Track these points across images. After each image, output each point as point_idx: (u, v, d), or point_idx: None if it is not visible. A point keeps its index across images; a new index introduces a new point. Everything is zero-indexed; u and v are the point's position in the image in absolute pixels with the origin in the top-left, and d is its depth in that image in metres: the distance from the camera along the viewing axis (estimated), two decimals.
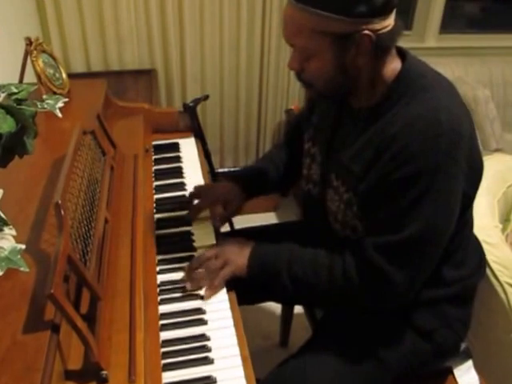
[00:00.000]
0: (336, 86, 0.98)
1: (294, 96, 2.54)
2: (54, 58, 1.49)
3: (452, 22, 2.81)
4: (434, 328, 1.08)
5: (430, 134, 0.89)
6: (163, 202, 1.30)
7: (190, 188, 1.36)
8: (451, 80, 1.00)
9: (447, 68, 2.55)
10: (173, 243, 1.16)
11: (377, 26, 0.88)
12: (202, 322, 0.97)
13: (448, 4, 2.66)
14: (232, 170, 2.67)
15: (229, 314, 0.99)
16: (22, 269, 0.80)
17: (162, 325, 0.95)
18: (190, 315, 0.98)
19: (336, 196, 1.06)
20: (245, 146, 2.64)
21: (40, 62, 1.39)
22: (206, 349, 0.92)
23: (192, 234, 1.20)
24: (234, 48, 2.33)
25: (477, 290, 1.15)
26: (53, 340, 0.71)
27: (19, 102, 0.85)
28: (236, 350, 0.92)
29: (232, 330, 0.96)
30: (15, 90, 0.85)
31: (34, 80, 1.39)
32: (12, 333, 0.72)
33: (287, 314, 1.79)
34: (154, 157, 1.48)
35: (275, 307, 1.95)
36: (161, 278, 1.06)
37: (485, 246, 1.20)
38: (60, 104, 1.03)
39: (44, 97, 1.03)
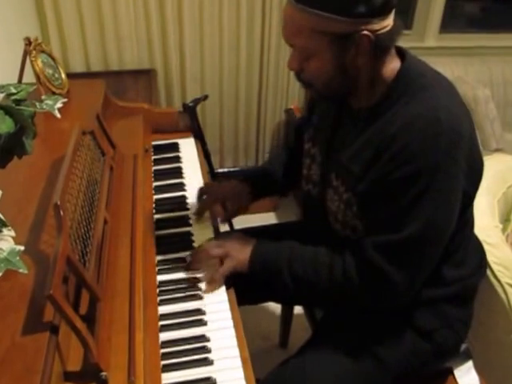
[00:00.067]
0: (335, 86, 0.98)
1: (294, 96, 2.54)
2: (53, 58, 1.48)
3: (452, 21, 2.81)
4: (435, 328, 1.08)
5: (430, 132, 0.89)
6: (163, 202, 1.30)
7: (189, 188, 1.36)
8: (451, 80, 1.00)
9: (447, 67, 2.55)
10: (172, 243, 1.16)
11: (376, 26, 0.89)
12: (202, 323, 0.97)
13: (448, 4, 2.66)
14: (232, 170, 2.67)
15: (228, 314, 0.99)
16: (20, 270, 0.80)
17: (162, 325, 0.95)
18: (190, 316, 0.98)
19: (336, 196, 1.06)
20: (244, 146, 2.64)
21: (39, 62, 1.38)
22: (206, 350, 0.92)
23: (192, 235, 1.20)
24: (233, 48, 2.33)
25: (477, 291, 1.15)
26: (52, 341, 0.71)
27: (18, 102, 0.85)
28: (236, 351, 0.92)
29: (232, 331, 0.96)
30: (14, 91, 0.85)
31: (33, 80, 1.39)
32: (11, 334, 0.71)
33: (287, 314, 1.78)
34: (153, 157, 1.48)
35: (275, 308, 1.95)
36: (160, 278, 1.06)
37: (485, 247, 1.20)
38: (59, 104, 1.03)
39: (43, 97, 1.02)
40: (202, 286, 1.05)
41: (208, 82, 2.40)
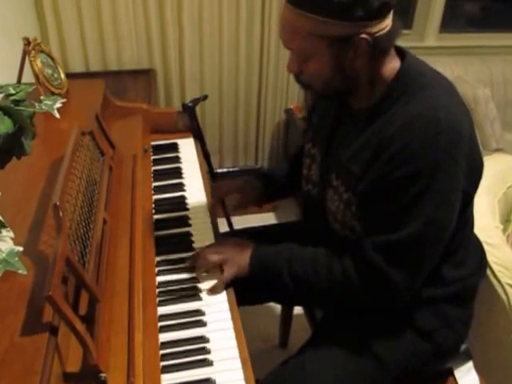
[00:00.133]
0: (335, 87, 0.98)
1: (294, 96, 2.54)
2: (52, 58, 1.48)
3: (452, 21, 2.81)
4: (435, 328, 1.08)
5: (430, 132, 0.89)
6: (162, 202, 1.30)
7: (188, 189, 1.36)
8: (451, 79, 1.00)
9: (447, 67, 2.55)
10: (172, 244, 1.16)
11: (374, 28, 0.89)
12: (201, 324, 0.97)
13: (448, 3, 2.66)
14: (231, 170, 2.67)
15: (228, 315, 0.99)
16: (19, 271, 0.80)
17: (161, 326, 0.95)
18: (189, 317, 0.98)
19: (335, 196, 1.05)
20: (244, 146, 2.64)
21: (38, 62, 1.38)
22: (206, 351, 0.92)
23: (191, 235, 1.19)
24: (233, 48, 2.33)
25: (477, 291, 1.15)
26: (51, 342, 0.71)
27: (17, 102, 0.84)
28: (235, 352, 0.92)
29: (231, 332, 0.96)
30: (13, 91, 0.85)
31: (32, 80, 1.39)
32: (10, 335, 0.71)
33: (287, 315, 1.78)
34: (152, 157, 1.48)
35: (275, 308, 1.94)
36: (160, 279, 1.06)
37: (485, 247, 1.20)
38: (58, 105, 1.02)
39: (42, 97, 1.02)
40: (202, 286, 1.05)
41: (207, 82, 2.39)
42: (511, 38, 2.81)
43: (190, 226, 1.22)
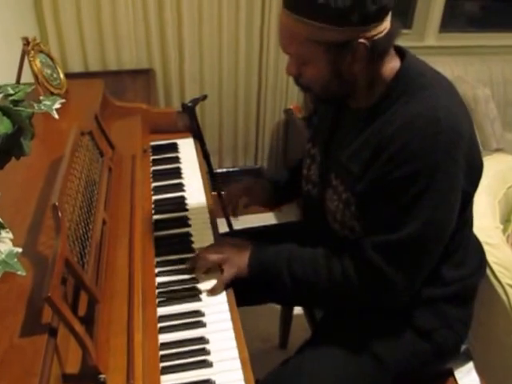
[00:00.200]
0: (334, 90, 0.98)
1: (293, 96, 2.53)
2: (51, 58, 1.48)
3: (452, 20, 2.81)
4: (434, 328, 1.08)
5: (430, 131, 0.88)
6: (162, 202, 1.30)
7: (188, 189, 1.36)
8: (451, 79, 1.00)
9: (447, 67, 2.55)
10: (171, 244, 1.16)
11: (372, 32, 0.88)
12: (201, 325, 0.97)
13: (448, 3, 2.66)
14: (231, 170, 2.66)
15: (228, 316, 0.99)
16: (18, 272, 0.79)
17: (161, 327, 0.95)
18: (189, 317, 0.98)
19: (335, 196, 1.05)
20: (244, 146, 2.63)
21: (37, 62, 1.38)
22: (205, 351, 0.91)
23: (191, 235, 1.19)
24: (232, 48, 2.33)
25: (477, 291, 1.15)
26: (50, 343, 0.70)
27: (16, 103, 0.84)
28: (235, 353, 0.92)
29: (231, 333, 0.95)
30: (12, 92, 0.85)
31: (32, 80, 1.38)
32: (9, 336, 0.71)
33: (286, 315, 1.78)
34: (152, 157, 1.48)
35: (274, 309, 1.94)
36: (159, 279, 1.06)
37: (486, 247, 1.20)
38: (57, 105, 1.02)
39: (41, 98, 1.02)
40: (202, 287, 1.04)
41: (207, 82, 2.39)
42: (511, 38, 2.81)
43: (189, 226, 1.22)
